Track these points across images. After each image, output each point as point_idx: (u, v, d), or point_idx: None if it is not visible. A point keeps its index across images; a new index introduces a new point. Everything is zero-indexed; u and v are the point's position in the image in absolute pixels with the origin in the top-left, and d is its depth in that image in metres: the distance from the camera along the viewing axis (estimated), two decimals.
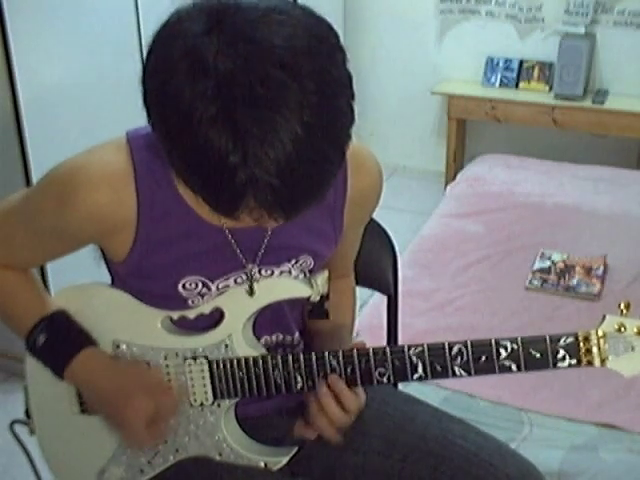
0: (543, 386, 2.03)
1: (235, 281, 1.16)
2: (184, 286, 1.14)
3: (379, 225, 1.58)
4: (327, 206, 1.18)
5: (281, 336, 1.27)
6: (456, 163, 4.02)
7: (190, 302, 1.17)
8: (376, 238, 1.57)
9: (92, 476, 1.25)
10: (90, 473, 1.25)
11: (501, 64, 3.92)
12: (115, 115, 2.49)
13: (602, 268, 2.53)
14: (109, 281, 1.25)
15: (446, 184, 3.71)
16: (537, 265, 2.58)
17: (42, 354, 1.19)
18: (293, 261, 1.19)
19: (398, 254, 1.64)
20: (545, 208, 2.99)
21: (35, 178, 2.33)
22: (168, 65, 0.88)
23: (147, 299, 1.18)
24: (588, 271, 2.52)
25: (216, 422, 1.19)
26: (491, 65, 3.94)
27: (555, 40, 3.72)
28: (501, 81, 3.92)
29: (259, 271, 1.17)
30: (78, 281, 1.25)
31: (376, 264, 1.59)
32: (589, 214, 2.93)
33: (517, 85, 3.89)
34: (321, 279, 1.19)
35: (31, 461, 1.35)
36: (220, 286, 1.16)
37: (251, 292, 1.16)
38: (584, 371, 2.01)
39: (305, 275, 1.21)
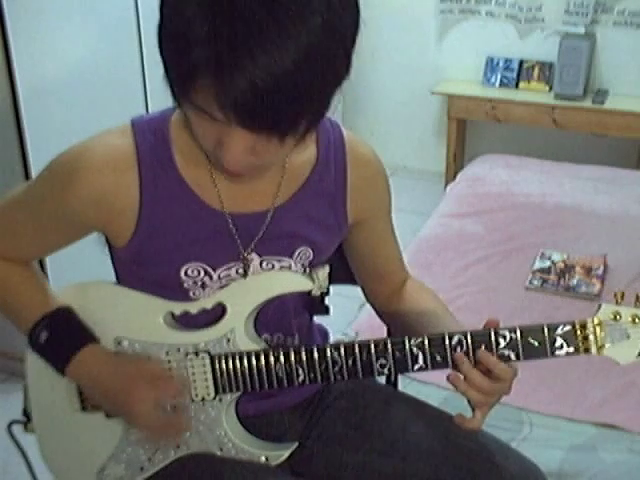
0: (543, 386, 2.02)
1: (237, 272, 1.16)
2: (186, 273, 1.14)
3: None
4: (328, 196, 1.20)
5: (282, 337, 1.27)
6: (456, 163, 4.02)
7: (191, 294, 1.16)
8: None
9: (92, 474, 1.24)
10: (90, 471, 1.24)
11: (501, 64, 3.92)
12: (114, 108, 2.49)
13: (602, 268, 2.53)
14: (109, 278, 1.25)
15: (446, 184, 3.71)
16: (537, 265, 2.57)
17: (44, 351, 1.19)
18: (294, 255, 1.19)
19: None
20: (545, 208, 2.98)
21: (34, 170, 2.32)
22: None
23: (149, 287, 1.17)
24: (588, 271, 2.52)
25: (217, 417, 1.19)
26: (491, 65, 3.94)
27: (555, 40, 3.72)
28: (501, 81, 3.92)
29: (260, 264, 1.17)
30: (78, 278, 1.24)
31: None
32: (589, 214, 2.93)
33: (517, 85, 3.90)
34: (322, 273, 1.20)
35: (28, 463, 1.34)
36: (222, 275, 1.16)
37: (244, 274, 1.16)
38: (584, 371, 2.03)
39: (306, 270, 1.21)
